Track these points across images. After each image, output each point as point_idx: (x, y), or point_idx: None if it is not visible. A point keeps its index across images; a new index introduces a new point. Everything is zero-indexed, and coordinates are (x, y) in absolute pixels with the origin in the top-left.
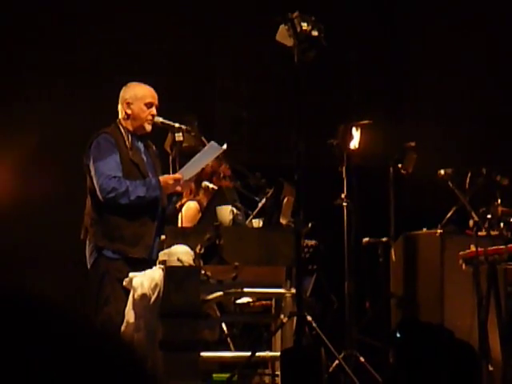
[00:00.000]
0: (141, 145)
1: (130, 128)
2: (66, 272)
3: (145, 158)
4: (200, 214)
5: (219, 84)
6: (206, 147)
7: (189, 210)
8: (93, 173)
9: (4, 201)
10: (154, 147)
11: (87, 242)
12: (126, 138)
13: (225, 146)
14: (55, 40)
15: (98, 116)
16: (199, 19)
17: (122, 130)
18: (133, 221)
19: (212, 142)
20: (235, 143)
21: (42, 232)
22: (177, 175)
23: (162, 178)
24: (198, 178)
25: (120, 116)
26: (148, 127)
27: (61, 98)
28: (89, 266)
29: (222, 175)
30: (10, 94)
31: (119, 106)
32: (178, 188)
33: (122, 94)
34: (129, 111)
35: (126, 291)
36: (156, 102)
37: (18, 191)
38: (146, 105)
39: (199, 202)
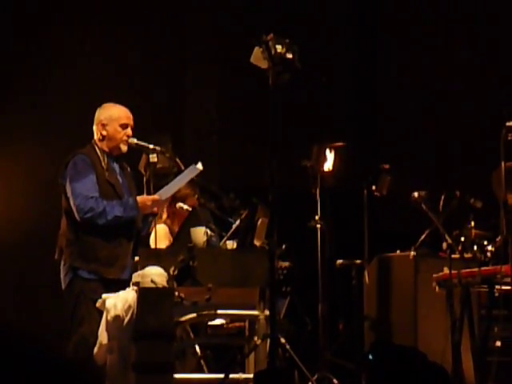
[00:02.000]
0: (116, 166)
1: (106, 149)
2: (39, 292)
3: (120, 179)
4: (168, 236)
5: (191, 101)
6: (186, 170)
7: (158, 232)
8: (69, 193)
9: None
10: (128, 168)
11: (62, 263)
12: (101, 159)
13: (200, 166)
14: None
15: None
16: (171, 32)
17: (98, 151)
18: (108, 241)
19: (192, 165)
20: (207, 163)
21: (15, 252)
22: (155, 196)
23: (139, 199)
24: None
25: (95, 137)
26: (124, 148)
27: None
28: (63, 286)
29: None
30: None
31: (94, 127)
32: (155, 209)
33: (96, 115)
34: (104, 132)
35: (101, 312)
36: (131, 122)
37: None
38: (121, 126)
39: (166, 225)
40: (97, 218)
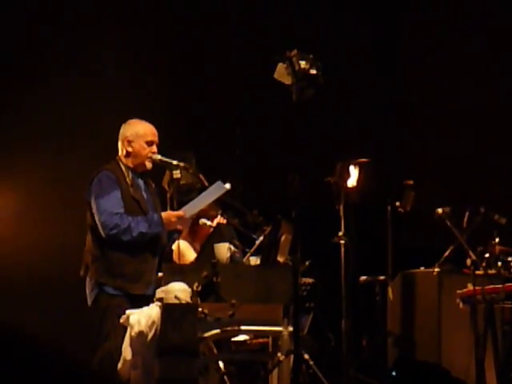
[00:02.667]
0: (141, 182)
1: (131, 165)
2: (65, 310)
3: (145, 195)
4: (191, 251)
5: (213, 120)
6: (212, 186)
7: (182, 247)
8: (94, 209)
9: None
10: (153, 185)
11: (87, 279)
12: (126, 175)
13: (228, 186)
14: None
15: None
16: (193, 46)
17: (123, 167)
18: (134, 257)
19: (219, 182)
20: (231, 180)
21: (41, 270)
22: (180, 212)
23: (164, 215)
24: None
25: (120, 153)
26: (148, 165)
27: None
28: (89, 303)
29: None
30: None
31: (119, 144)
32: (179, 226)
33: (122, 131)
34: (129, 149)
35: (126, 328)
36: (156, 139)
37: (15, 228)
38: (146, 143)
39: (187, 241)
40: (122, 235)
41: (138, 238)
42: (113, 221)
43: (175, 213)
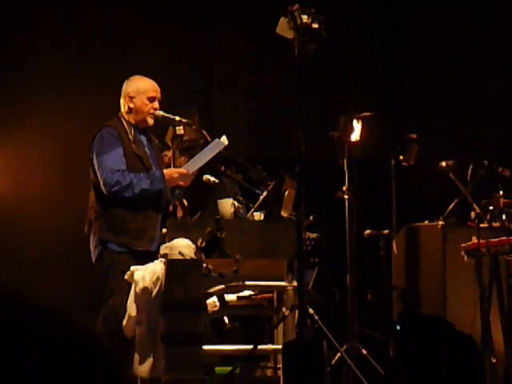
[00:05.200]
0: (143, 138)
1: (133, 121)
2: (69, 266)
3: (148, 152)
4: None
5: (217, 75)
6: (211, 143)
7: None
8: (96, 166)
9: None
10: (156, 141)
11: (91, 236)
12: (128, 132)
13: (226, 141)
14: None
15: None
16: (198, 9)
17: (125, 124)
18: (137, 214)
19: (216, 139)
20: (234, 135)
21: (44, 227)
22: (181, 170)
23: (166, 171)
24: None
25: (122, 110)
26: (150, 121)
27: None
28: (93, 260)
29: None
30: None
31: (121, 100)
32: (181, 182)
33: (124, 87)
34: (131, 105)
35: (131, 284)
36: (159, 95)
37: (19, 187)
38: (148, 99)
39: None
40: (123, 191)
41: (140, 194)
42: (114, 178)
43: (177, 169)
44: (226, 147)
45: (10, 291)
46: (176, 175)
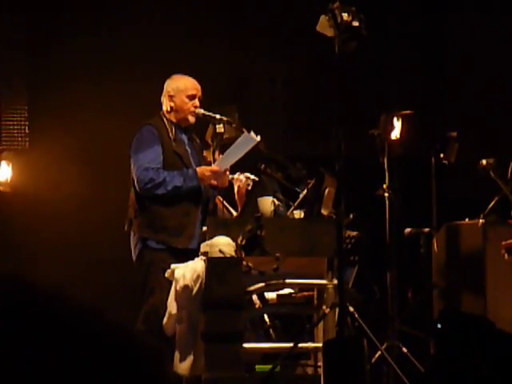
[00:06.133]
0: (185, 137)
1: (174, 120)
2: (111, 264)
3: (189, 150)
4: None
5: (257, 73)
6: (239, 138)
7: None
8: (132, 164)
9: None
10: (198, 140)
11: (131, 234)
12: (169, 130)
13: (258, 138)
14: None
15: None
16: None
17: (166, 122)
18: (176, 211)
19: (245, 133)
20: (274, 133)
21: (83, 226)
22: (214, 167)
23: (198, 169)
24: None
25: (163, 108)
26: (191, 119)
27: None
28: (134, 258)
29: None
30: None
31: (162, 98)
32: (214, 181)
33: (165, 86)
34: (172, 104)
35: (171, 282)
36: (199, 93)
37: (57, 187)
38: (188, 97)
39: None
40: (156, 189)
41: (173, 192)
42: (148, 175)
43: (209, 167)
44: (261, 144)
45: (53, 291)
46: (208, 173)
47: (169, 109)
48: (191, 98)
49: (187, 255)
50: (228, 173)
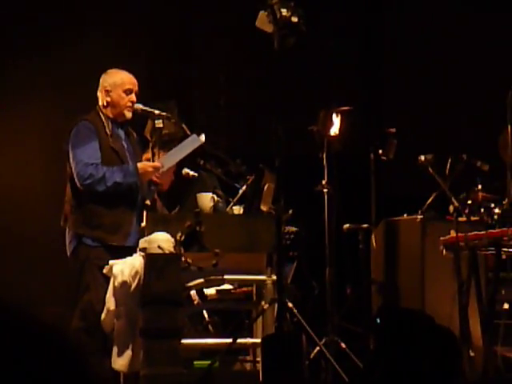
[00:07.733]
0: (121, 132)
1: (110, 115)
2: (45, 260)
3: (125, 145)
4: None
5: (196, 69)
6: (187, 139)
7: None
8: (71, 160)
9: None
10: (134, 134)
11: (67, 230)
12: (106, 125)
13: (203, 138)
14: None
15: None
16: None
17: (102, 117)
18: (112, 208)
19: (194, 135)
20: (214, 129)
21: (21, 221)
22: (156, 163)
23: (140, 165)
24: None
25: (100, 103)
26: (128, 114)
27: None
28: (68, 254)
29: None
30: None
31: (98, 93)
32: (154, 177)
33: (101, 81)
34: (108, 99)
35: (107, 278)
36: (136, 88)
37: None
38: (124, 91)
39: None
40: (96, 185)
41: (113, 187)
42: (87, 171)
43: (151, 163)
44: (205, 142)
45: None
46: (150, 169)
47: (105, 104)
48: (128, 92)
49: (123, 252)
50: (172, 173)
